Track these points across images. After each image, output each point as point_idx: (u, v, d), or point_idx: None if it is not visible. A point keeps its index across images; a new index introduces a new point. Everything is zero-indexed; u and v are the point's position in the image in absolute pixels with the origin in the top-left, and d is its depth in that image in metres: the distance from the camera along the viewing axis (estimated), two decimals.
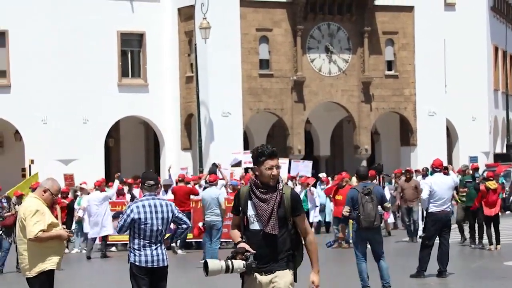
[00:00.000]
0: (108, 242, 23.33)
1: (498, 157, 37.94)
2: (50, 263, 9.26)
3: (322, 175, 25.72)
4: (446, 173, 21.50)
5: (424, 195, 15.64)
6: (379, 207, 13.68)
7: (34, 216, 9.14)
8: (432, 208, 15.47)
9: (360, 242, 13.74)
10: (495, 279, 15.66)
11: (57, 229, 9.31)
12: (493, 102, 47.40)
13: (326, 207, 26.36)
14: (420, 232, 22.97)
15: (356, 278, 13.87)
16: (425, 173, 25.33)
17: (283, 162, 27.14)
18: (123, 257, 20.69)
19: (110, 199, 23.46)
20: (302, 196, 24.18)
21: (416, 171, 28.12)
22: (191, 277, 17.38)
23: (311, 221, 24.51)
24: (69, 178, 32.07)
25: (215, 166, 25.37)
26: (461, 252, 20.29)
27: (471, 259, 19.39)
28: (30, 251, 9.17)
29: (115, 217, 22.50)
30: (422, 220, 19.99)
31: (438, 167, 15.99)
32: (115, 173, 28.95)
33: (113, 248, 24.17)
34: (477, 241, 20.96)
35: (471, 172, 24.00)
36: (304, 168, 26.64)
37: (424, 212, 17.49)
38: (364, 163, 39.17)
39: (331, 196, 23.10)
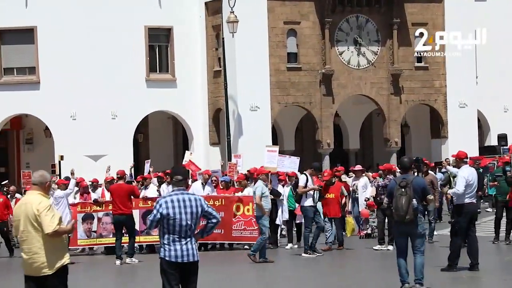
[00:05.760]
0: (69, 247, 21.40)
1: (483, 150, 37.34)
2: (66, 258, 9.37)
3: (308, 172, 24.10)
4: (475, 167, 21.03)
5: (461, 188, 15.12)
6: (414, 200, 13.08)
7: (49, 211, 9.26)
8: (465, 200, 15.19)
9: (397, 235, 13.47)
10: None
11: (64, 224, 9.45)
12: None
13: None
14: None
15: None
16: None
17: (274, 149, 25.32)
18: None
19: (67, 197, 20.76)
20: (288, 192, 21.33)
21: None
22: (223, 274, 17.27)
23: (298, 221, 21.25)
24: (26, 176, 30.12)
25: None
26: (493, 246, 19.94)
27: (504, 253, 19.09)
28: (47, 248, 9.24)
29: (85, 219, 21.54)
30: (449, 211, 19.52)
31: (466, 158, 15.75)
32: (144, 168, 28.88)
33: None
34: (500, 237, 20.25)
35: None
36: (290, 164, 24.68)
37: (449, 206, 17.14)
38: (394, 156, 38.91)
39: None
